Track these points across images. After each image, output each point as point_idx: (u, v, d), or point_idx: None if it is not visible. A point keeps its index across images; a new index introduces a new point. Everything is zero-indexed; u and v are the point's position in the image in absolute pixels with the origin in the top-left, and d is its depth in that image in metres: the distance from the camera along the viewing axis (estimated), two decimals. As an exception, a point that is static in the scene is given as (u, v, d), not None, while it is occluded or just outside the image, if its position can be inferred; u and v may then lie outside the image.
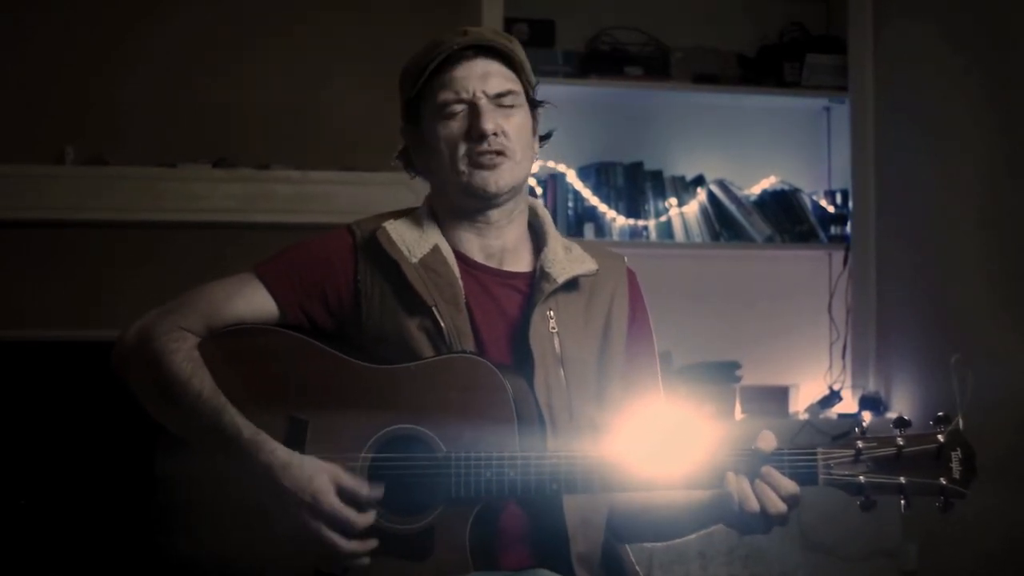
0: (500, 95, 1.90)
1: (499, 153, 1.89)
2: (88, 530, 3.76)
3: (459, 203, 1.94)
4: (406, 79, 1.95)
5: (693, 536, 1.93)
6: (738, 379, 4.34)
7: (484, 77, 1.90)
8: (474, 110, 1.89)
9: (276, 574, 1.82)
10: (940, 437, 1.72)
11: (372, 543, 1.78)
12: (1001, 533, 3.64)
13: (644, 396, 1.97)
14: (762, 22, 4.64)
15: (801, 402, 4.44)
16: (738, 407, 4.30)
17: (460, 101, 1.90)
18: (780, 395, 4.39)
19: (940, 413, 1.74)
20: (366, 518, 1.78)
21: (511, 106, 1.91)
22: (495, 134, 1.88)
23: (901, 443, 1.71)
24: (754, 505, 1.73)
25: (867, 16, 4.45)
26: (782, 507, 1.74)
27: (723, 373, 4.34)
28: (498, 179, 1.90)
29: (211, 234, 3.89)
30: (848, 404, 4.40)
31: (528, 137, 1.95)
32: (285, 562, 1.81)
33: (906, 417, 1.75)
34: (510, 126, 1.90)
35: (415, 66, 1.93)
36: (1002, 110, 3.82)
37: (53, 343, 3.85)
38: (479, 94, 1.89)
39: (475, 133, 1.88)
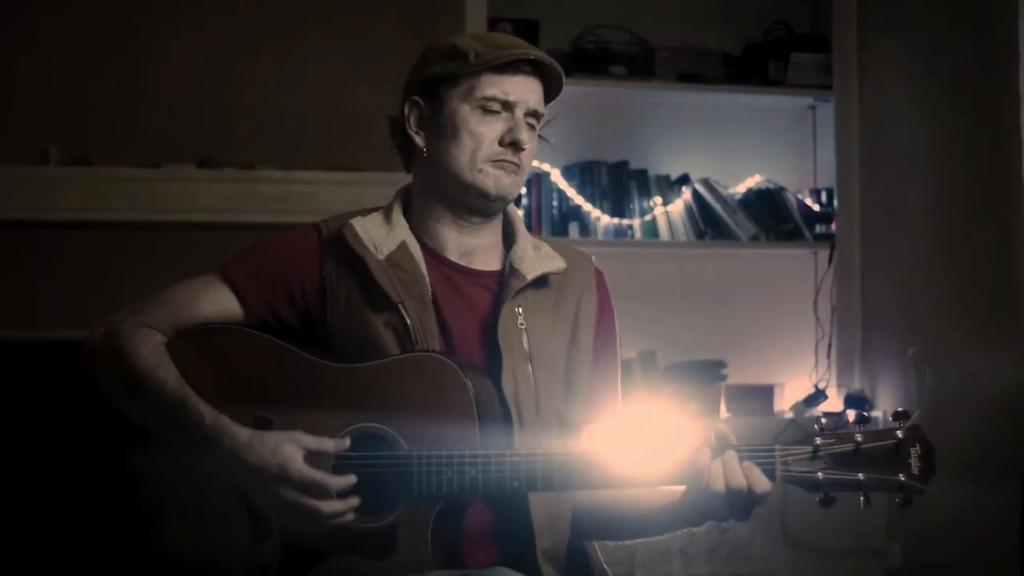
0: (534, 114, 1.94)
1: (517, 165, 1.93)
2: (89, 530, 3.75)
3: (453, 196, 1.94)
4: (450, 55, 1.92)
5: (655, 539, 1.93)
6: (723, 378, 4.34)
7: (532, 93, 1.94)
8: (515, 119, 1.92)
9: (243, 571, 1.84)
10: (899, 433, 1.73)
11: (354, 501, 1.79)
12: (986, 532, 3.64)
13: (603, 395, 1.99)
14: (747, 21, 4.64)
15: (786, 401, 4.45)
16: (723, 406, 4.30)
17: (506, 104, 1.92)
18: (765, 394, 4.40)
19: (899, 409, 1.74)
20: (340, 480, 1.79)
21: (533, 127, 1.96)
22: (522, 148, 1.93)
23: (859, 439, 1.72)
24: (720, 485, 1.73)
25: (852, 15, 4.45)
26: (743, 482, 1.72)
27: (708, 372, 4.34)
28: (509, 186, 1.93)
29: (195, 234, 3.88)
30: (833, 402, 4.40)
31: (532, 160, 1.99)
32: (251, 558, 1.83)
33: (867, 415, 1.75)
34: (530, 145, 1.95)
35: (467, 49, 1.90)
36: (987, 107, 3.83)
37: (37, 343, 3.85)
38: (522, 106, 1.92)
39: (510, 138, 1.91)
